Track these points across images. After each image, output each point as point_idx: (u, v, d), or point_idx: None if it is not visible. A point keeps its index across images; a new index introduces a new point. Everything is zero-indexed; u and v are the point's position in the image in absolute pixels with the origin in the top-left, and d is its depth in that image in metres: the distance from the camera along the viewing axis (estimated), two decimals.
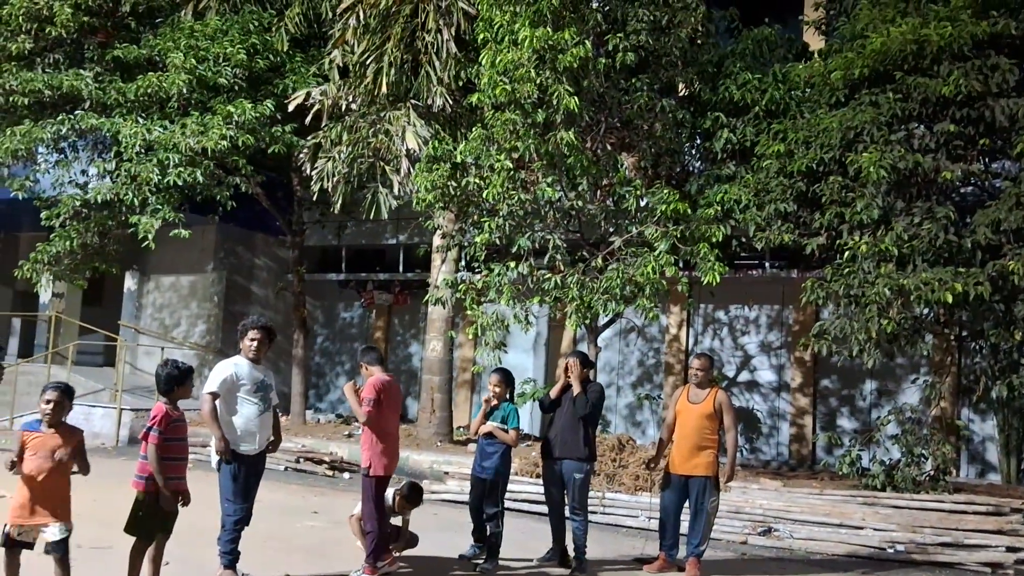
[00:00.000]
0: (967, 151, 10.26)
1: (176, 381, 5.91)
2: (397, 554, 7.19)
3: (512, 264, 11.53)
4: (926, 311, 10.30)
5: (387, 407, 6.68)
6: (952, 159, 10.16)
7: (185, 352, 17.77)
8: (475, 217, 12.04)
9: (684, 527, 7.87)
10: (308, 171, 14.06)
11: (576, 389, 7.77)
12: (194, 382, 6.09)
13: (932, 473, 10.50)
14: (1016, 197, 9.51)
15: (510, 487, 10.60)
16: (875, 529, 9.15)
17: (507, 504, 9.96)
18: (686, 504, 7.81)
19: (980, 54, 10.09)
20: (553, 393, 7.99)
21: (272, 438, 6.70)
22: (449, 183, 11.55)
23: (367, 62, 13.37)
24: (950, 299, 9.28)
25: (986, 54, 10.07)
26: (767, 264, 14.70)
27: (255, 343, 6.62)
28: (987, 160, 10.69)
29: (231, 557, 6.29)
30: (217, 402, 6.37)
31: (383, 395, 6.62)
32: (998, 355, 10.61)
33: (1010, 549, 8.58)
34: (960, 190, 10.96)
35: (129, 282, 19.74)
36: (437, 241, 14.34)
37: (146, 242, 13.79)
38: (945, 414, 12.93)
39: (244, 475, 6.40)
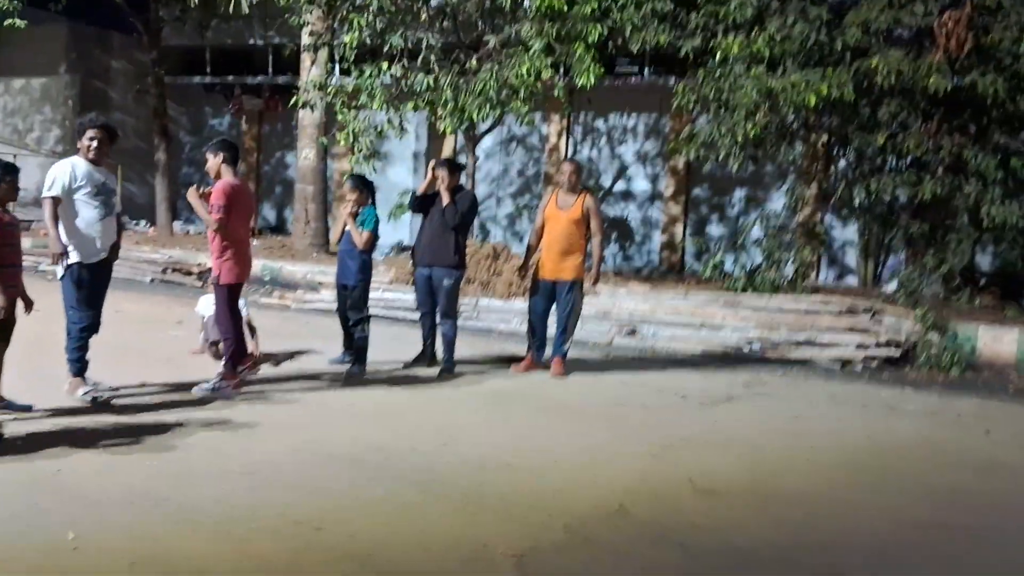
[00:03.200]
0: None
1: None
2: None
3: (384, 66, 11.01)
4: (793, 116, 10.36)
5: (237, 214, 6.36)
6: None
7: (41, 160, 16.70)
8: (344, 13, 11.33)
9: (552, 331, 8.02)
10: None
11: (445, 199, 7.58)
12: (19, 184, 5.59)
13: (792, 276, 10.91)
14: None
15: (385, 295, 10.66)
16: (734, 329, 9.52)
17: (381, 312, 10.02)
18: (554, 308, 7.92)
19: None
20: (420, 190, 7.81)
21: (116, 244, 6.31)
22: None
23: None
24: (813, 101, 9.33)
25: None
26: (645, 71, 14.50)
27: (94, 143, 6.12)
28: None
29: (79, 365, 6.04)
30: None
31: (232, 200, 6.27)
32: (862, 160, 10.87)
33: (860, 346, 9.06)
34: None
35: None
36: (305, 40, 13.52)
37: None
38: (809, 220, 13.37)
39: (89, 282, 6.06)
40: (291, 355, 8.01)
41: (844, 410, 7.20)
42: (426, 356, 7.97)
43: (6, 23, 12.88)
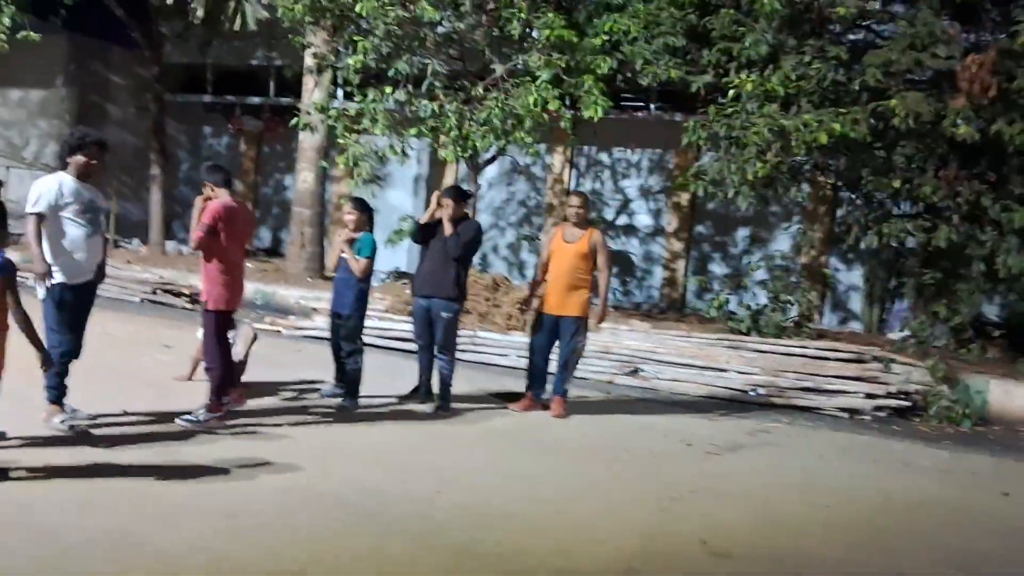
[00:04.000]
0: None
1: None
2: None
3: (388, 90, 10.79)
4: (804, 157, 10.14)
5: (231, 236, 6.06)
6: None
7: (36, 173, 16.42)
8: (349, 36, 11.14)
9: (553, 367, 7.73)
10: None
11: (448, 229, 7.32)
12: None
13: (797, 319, 10.65)
14: (911, 39, 9.24)
15: (380, 325, 10.36)
16: (738, 372, 9.22)
17: (376, 341, 9.73)
18: (556, 344, 7.65)
19: None
20: (423, 219, 7.54)
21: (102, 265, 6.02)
22: None
23: None
24: (824, 140, 9.11)
25: None
26: (652, 106, 14.34)
27: (87, 159, 5.83)
28: (883, 0, 10.38)
29: (57, 392, 5.72)
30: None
31: (223, 222, 5.98)
32: (872, 204, 10.64)
33: (869, 396, 8.78)
34: (851, 36, 10.71)
35: None
36: (309, 62, 13.33)
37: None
38: (814, 262, 13.14)
39: (71, 304, 5.75)
40: (281, 385, 7.69)
41: (855, 464, 6.90)
42: (422, 391, 7.66)
43: (20, 35, 12.77)
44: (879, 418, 8.62)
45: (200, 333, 7.25)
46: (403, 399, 7.61)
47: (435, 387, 7.53)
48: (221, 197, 6.08)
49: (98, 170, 5.94)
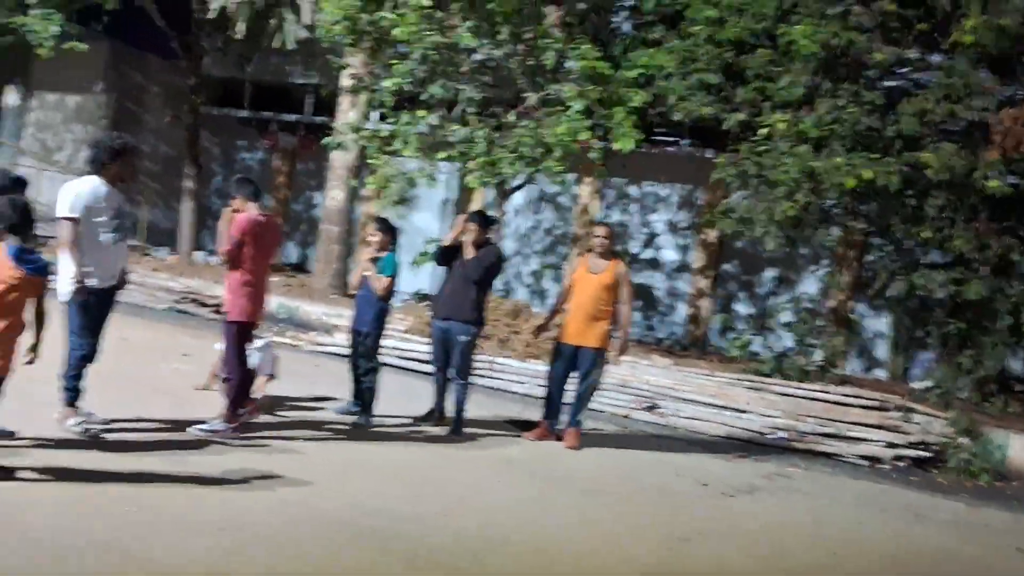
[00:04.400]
0: (903, 35, 9.85)
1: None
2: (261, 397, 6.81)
3: (421, 114, 10.88)
4: (833, 201, 10.07)
5: (257, 249, 6.09)
6: (886, 41, 9.75)
7: (68, 177, 16.64)
8: (387, 59, 11.27)
9: (569, 397, 7.68)
10: None
11: (469, 253, 7.33)
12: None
13: (821, 363, 10.54)
14: (946, 89, 9.20)
15: (400, 345, 10.36)
16: (759, 414, 9.12)
17: (394, 361, 9.72)
18: (573, 375, 7.60)
19: None
20: (446, 240, 7.55)
21: (125, 270, 6.06)
22: (361, 15, 10.70)
23: None
24: (852, 183, 9.04)
25: None
26: (684, 141, 14.33)
27: (127, 166, 5.87)
28: (921, 49, 10.34)
29: (73, 394, 5.74)
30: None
31: (250, 236, 6.02)
32: (901, 252, 10.55)
33: (889, 445, 8.65)
34: (887, 82, 10.66)
35: (10, 97, 18.28)
36: (346, 82, 13.47)
37: (42, 49, 12.81)
38: (841, 307, 13.02)
39: (96, 309, 5.79)
40: (297, 400, 7.69)
41: (870, 513, 6.79)
42: (436, 413, 7.63)
43: (67, 45, 13.05)
44: (898, 467, 8.49)
45: (219, 345, 7.30)
46: (417, 421, 7.59)
47: (449, 410, 7.51)
48: (249, 210, 6.12)
49: (132, 177, 5.99)
